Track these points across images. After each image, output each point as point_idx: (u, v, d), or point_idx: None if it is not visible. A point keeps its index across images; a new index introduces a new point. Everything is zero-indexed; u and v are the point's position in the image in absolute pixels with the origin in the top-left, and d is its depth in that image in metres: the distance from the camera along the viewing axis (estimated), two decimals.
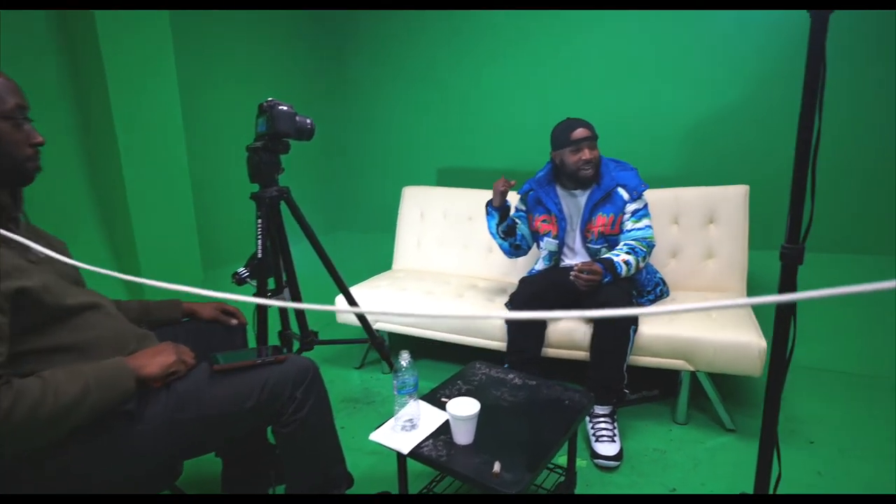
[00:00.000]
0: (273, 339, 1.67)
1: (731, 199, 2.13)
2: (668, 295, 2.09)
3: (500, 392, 1.46)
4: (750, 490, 1.31)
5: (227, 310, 1.48)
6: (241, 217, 2.19)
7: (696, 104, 2.43)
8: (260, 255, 1.35)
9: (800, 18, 2.17)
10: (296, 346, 1.61)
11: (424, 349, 2.54)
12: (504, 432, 1.27)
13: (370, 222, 3.43)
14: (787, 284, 0.78)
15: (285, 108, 1.27)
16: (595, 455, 1.67)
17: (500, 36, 2.77)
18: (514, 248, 2.15)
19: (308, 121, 1.34)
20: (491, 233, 2.12)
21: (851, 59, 2.13)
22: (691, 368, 1.78)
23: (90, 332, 1.04)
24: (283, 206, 1.46)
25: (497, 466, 1.14)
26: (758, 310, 1.97)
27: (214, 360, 1.14)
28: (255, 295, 1.47)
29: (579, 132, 1.89)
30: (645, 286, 2.00)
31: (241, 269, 1.59)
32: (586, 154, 1.88)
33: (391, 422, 1.33)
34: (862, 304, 2.25)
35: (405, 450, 1.23)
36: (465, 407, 1.23)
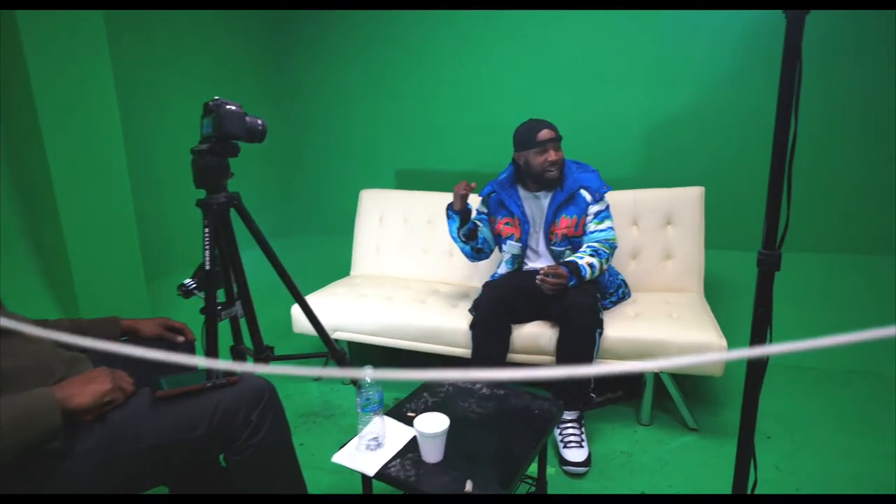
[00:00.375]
0: (224, 356, 1.56)
1: (688, 200, 2.18)
2: (629, 296, 2.10)
3: (468, 403, 1.41)
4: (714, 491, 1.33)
5: (172, 326, 1.36)
6: (188, 224, 2.05)
7: (653, 106, 2.47)
8: (208, 267, 1.24)
9: (755, 20, 2.24)
10: (250, 361, 1.50)
11: (386, 358, 2.46)
12: (474, 447, 1.22)
13: (327, 226, 3.31)
14: (765, 291, 0.77)
15: (234, 107, 1.17)
16: (564, 462, 1.64)
17: (459, 37, 2.74)
18: (476, 252, 2.11)
19: (259, 121, 1.25)
20: (452, 237, 2.08)
21: (822, 60, 2.21)
22: (655, 370, 1.79)
23: (6, 362, 0.91)
24: (234, 213, 1.35)
25: (469, 485, 1.09)
26: (717, 309, 2.01)
27: (157, 384, 1.03)
28: (205, 307, 1.35)
29: (545, 133, 1.87)
30: (607, 288, 2.00)
31: (188, 281, 1.48)
32: (552, 155, 1.87)
33: (355, 441, 1.26)
34: (810, 300, 2.35)
35: (371, 471, 1.16)
36: (433, 423, 1.17)
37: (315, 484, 1.56)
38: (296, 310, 2.24)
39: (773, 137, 0.73)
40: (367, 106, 3.04)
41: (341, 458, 1.21)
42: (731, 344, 1.70)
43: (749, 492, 0.94)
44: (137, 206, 2.11)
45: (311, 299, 2.28)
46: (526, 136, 1.90)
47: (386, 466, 1.16)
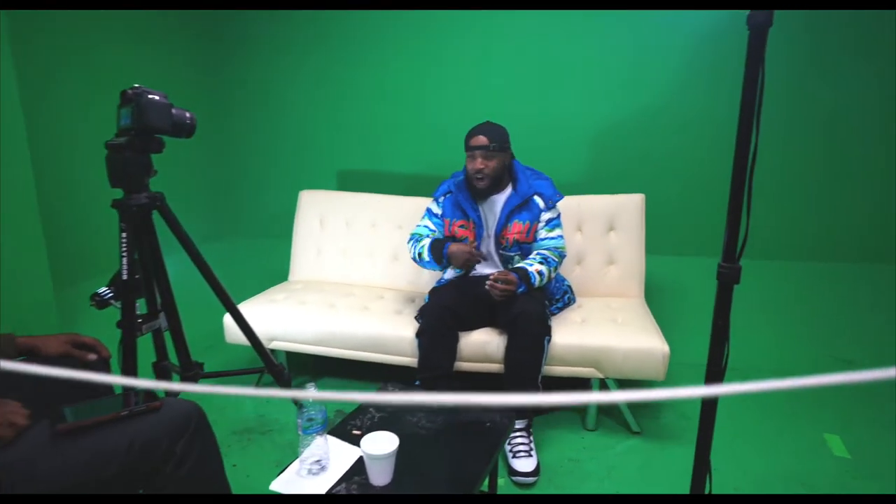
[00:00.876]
0: (147, 375, 1.40)
1: (629, 206, 2.23)
2: (574, 302, 2.12)
3: (417, 418, 1.34)
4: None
5: (81, 342, 1.19)
6: (103, 226, 1.84)
7: (597, 112, 2.52)
8: (125, 276, 1.10)
9: (699, 30, 2.32)
10: (176, 380, 1.36)
11: (328, 368, 2.35)
12: (425, 466, 1.16)
13: (264, 228, 3.13)
14: (724, 304, 0.76)
15: (157, 97, 1.04)
16: (513, 472, 1.62)
17: (405, 37, 2.67)
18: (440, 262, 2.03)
19: (188, 114, 1.12)
20: (421, 262, 1.97)
21: (782, 64, 2.29)
22: (600, 376, 1.80)
23: None
24: (157, 216, 1.21)
25: None
26: (656, 312, 2.06)
27: (60, 416, 0.89)
28: (122, 320, 1.20)
29: (477, 139, 1.83)
30: (554, 294, 2.00)
31: (103, 289, 1.32)
32: (478, 163, 1.83)
33: (295, 464, 1.16)
34: (740, 303, 2.47)
35: None
36: (381, 443, 1.09)
37: None
38: (228, 319, 2.08)
39: (734, 150, 0.72)
40: (308, 105, 2.90)
41: (280, 485, 1.11)
42: (672, 348, 1.75)
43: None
44: (44, 207, 1.88)
45: (246, 306, 2.13)
46: (466, 139, 1.87)
47: (330, 493, 1.08)
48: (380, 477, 1.09)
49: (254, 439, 1.85)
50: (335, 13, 2.71)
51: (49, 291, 1.94)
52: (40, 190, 1.86)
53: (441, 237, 1.96)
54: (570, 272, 2.26)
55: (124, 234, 1.08)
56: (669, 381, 1.90)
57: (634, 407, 1.95)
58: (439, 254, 1.88)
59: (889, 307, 2.34)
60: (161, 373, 1.36)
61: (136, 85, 1.04)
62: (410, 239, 2.01)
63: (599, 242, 2.25)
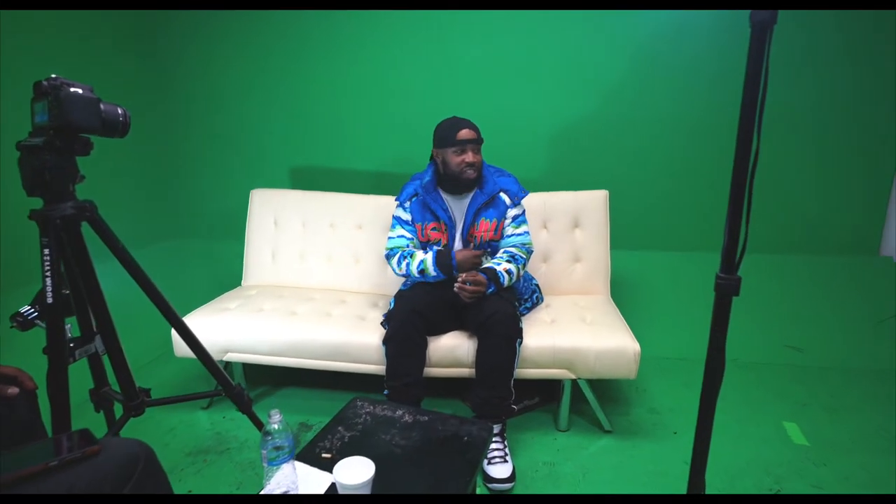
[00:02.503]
0: (83, 405, 1.24)
1: (594, 203, 2.21)
2: (542, 301, 2.08)
3: (390, 436, 1.26)
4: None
5: (1, 374, 1.03)
6: (25, 233, 1.64)
7: (560, 109, 2.48)
8: (50, 300, 0.95)
9: (658, 27, 2.32)
10: (118, 409, 1.21)
11: (287, 378, 2.22)
12: (403, 491, 1.08)
13: (213, 230, 2.93)
14: (722, 315, 0.72)
15: (80, 90, 0.89)
16: (488, 479, 1.57)
17: (361, 33, 2.54)
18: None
19: (120, 110, 0.97)
20: (413, 276, 1.84)
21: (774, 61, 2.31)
22: (573, 377, 1.78)
23: None
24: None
25: None
26: (622, 308, 2.06)
27: None
28: (48, 346, 1.05)
29: (465, 133, 1.76)
30: (522, 294, 1.96)
31: (26, 308, 1.16)
32: (470, 157, 1.77)
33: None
34: (699, 295, 2.52)
35: None
36: (356, 471, 1.01)
37: None
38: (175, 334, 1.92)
39: (734, 154, 0.68)
40: (257, 101, 2.71)
41: None
42: (639, 343, 1.74)
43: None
44: None
45: (197, 316, 1.97)
46: (446, 133, 1.78)
47: None
48: None
49: (210, 460, 1.72)
50: (290, 13, 2.54)
51: None
52: None
53: (431, 247, 1.85)
54: (537, 270, 2.22)
55: (47, 252, 0.93)
56: (639, 377, 1.91)
57: (605, 404, 1.94)
58: (447, 265, 1.77)
59: (834, 296, 2.45)
60: (101, 402, 1.21)
61: (54, 75, 0.89)
62: (393, 255, 1.88)
63: (565, 240, 2.23)
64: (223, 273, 2.63)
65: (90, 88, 0.93)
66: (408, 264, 1.82)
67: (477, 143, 1.79)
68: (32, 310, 1.17)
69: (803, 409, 1.98)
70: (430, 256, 1.80)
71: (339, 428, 1.29)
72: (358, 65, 2.58)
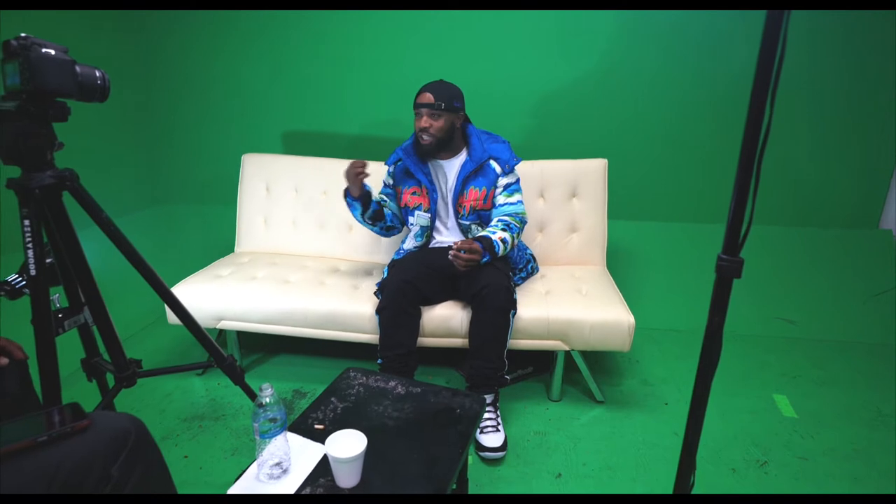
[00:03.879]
0: (75, 374, 1.24)
1: (592, 172, 2.17)
2: (538, 271, 2.07)
3: (383, 407, 1.27)
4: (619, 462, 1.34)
5: None
6: (5, 204, 1.60)
7: (559, 75, 2.41)
8: (33, 271, 0.92)
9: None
10: (110, 381, 1.20)
11: (281, 346, 2.23)
12: (395, 463, 1.09)
13: (204, 194, 2.87)
14: (722, 299, 0.71)
15: (53, 51, 0.84)
16: (480, 447, 1.59)
17: None
18: (388, 230, 1.94)
19: (97, 73, 0.92)
20: (358, 221, 1.87)
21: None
22: (567, 348, 1.78)
23: None
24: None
25: None
26: (618, 279, 2.05)
27: None
28: (34, 316, 1.03)
29: (423, 97, 1.73)
30: (517, 264, 1.95)
31: (13, 277, 1.14)
32: (423, 121, 1.72)
33: (253, 468, 1.06)
34: (695, 267, 2.52)
35: None
36: (347, 444, 1.01)
37: None
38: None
39: (742, 138, 0.64)
40: (248, 65, 2.61)
41: (239, 491, 1.01)
42: (634, 314, 1.74)
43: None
44: None
45: (190, 283, 1.95)
46: (415, 98, 1.74)
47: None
48: (347, 479, 1.01)
49: (206, 427, 1.74)
50: None
51: None
52: None
53: (412, 212, 1.86)
54: (533, 240, 2.20)
55: (27, 222, 0.90)
56: (632, 349, 1.92)
57: (597, 375, 1.96)
58: (346, 192, 1.81)
59: (831, 270, 2.45)
60: (93, 371, 1.20)
61: (23, 35, 0.83)
62: None
63: (562, 209, 2.19)
64: (216, 239, 2.60)
65: (65, 49, 0.87)
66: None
67: (433, 108, 1.71)
68: (20, 278, 1.14)
69: (794, 382, 2.00)
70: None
71: (332, 399, 1.30)
72: (349, 29, 2.48)
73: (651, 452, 1.61)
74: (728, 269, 0.68)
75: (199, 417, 1.78)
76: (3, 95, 0.88)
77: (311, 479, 1.04)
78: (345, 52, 2.52)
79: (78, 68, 0.89)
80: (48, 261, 1.06)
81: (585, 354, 1.86)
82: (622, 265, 2.48)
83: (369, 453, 1.06)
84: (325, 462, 1.06)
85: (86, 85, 0.90)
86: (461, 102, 1.78)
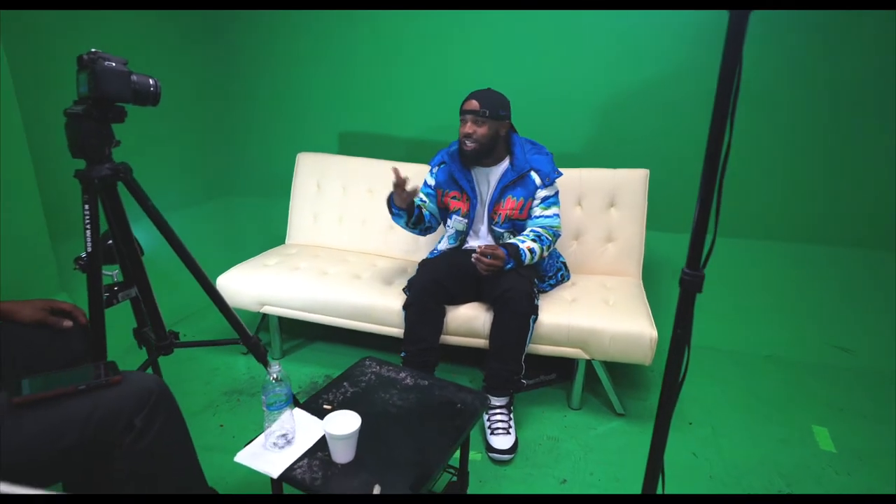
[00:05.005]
0: (120, 344, 1.42)
1: (633, 182, 2.14)
2: (568, 279, 2.07)
3: (389, 395, 1.35)
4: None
5: (58, 308, 1.21)
6: (75, 191, 1.84)
7: (605, 84, 2.38)
8: (89, 249, 1.09)
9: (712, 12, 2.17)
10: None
11: (318, 334, 2.37)
12: (389, 446, 1.16)
13: (265, 188, 3.11)
14: (686, 311, 0.72)
15: (114, 63, 0.99)
16: (490, 448, 1.63)
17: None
18: (425, 231, 2.01)
19: (151, 81, 1.07)
20: (401, 227, 1.95)
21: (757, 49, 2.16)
22: (587, 357, 1.78)
23: None
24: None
25: (377, 489, 1.04)
26: (653, 292, 2.01)
27: (17, 388, 0.90)
28: (88, 287, 1.20)
29: (469, 103, 1.77)
30: (547, 271, 1.96)
31: (85, 254, 1.32)
32: (467, 127, 1.77)
33: (261, 438, 1.17)
34: (729, 285, 2.40)
35: (275, 473, 1.08)
36: (342, 423, 1.10)
37: (232, 470, 1.49)
38: (222, 281, 2.10)
39: (705, 149, 0.66)
40: (313, 65, 2.79)
41: (244, 457, 1.13)
42: (662, 332, 1.70)
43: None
44: (39, 162, 1.88)
45: (239, 270, 2.14)
46: (462, 104, 1.80)
47: (292, 468, 1.09)
48: (342, 455, 1.10)
49: (242, 401, 1.90)
50: None
51: (46, 245, 1.97)
52: (34, 148, 1.86)
53: (451, 215, 1.93)
54: (567, 248, 2.20)
55: (87, 207, 1.07)
56: (657, 364, 1.86)
57: (620, 388, 1.93)
58: (390, 202, 1.86)
59: (888, 296, 2.24)
60: (142, 339, 1.38)
61: (93, 50, 0.99)
62: None
63: (599, 218, 2.18)
64: (271, 230, 2.80)
65: (124, 62, 1.03)
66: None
67: (478, 115, 1.75)
68: None
69: (839, 414, 1.87)
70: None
71: (345, 383, 1.39)
72: (402, 33, 2.59)
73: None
74: (691, 283, 0.69)
75: (238, 392, 1.95)
76: (76, 101, 1.06)
77: (310, 452, 1.14)
78: (401, 56, 2.62)
79: (134, 77, 1.04)
80: (108, 242, 1.23)
81: (611, 366, 1.84)
82: (662, 278, 2.41)
83: (367, 435, 1.14)
84: (325, 439, 1.16)
85: (140, 92, 1.05)
86: (507, 111, 1.81)
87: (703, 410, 1.88)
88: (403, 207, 1.79)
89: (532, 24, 2.39)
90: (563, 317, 1.78)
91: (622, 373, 2.07)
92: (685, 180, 2.40)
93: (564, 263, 2.06)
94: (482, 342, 1.84)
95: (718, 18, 2.16)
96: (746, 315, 2.37)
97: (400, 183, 1.68)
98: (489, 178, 1.90)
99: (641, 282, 2.12)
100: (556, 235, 1.86)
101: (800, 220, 2.36)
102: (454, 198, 1.91)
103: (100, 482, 1.14)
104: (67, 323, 1.20)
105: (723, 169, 0.65)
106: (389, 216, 1.91)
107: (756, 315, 2.36)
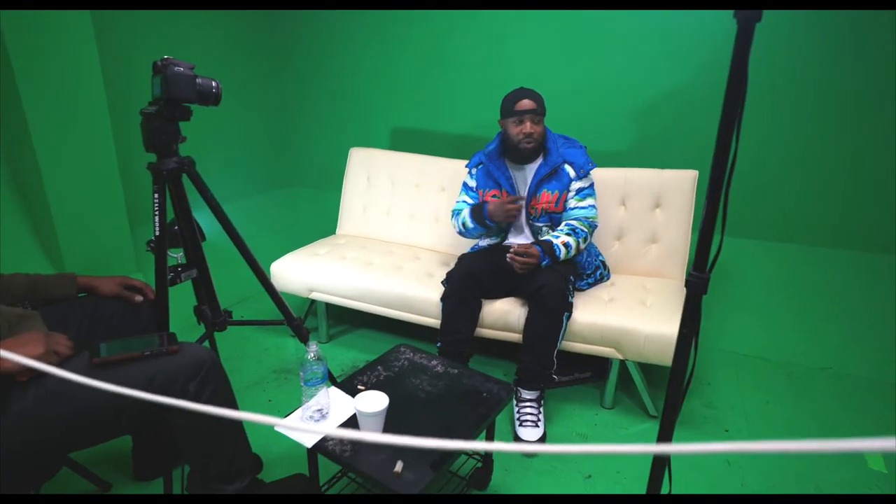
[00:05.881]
0: (183, 318, 1.58)
1: (680, 183, 2.09)
2: (608, 279, 2.07)
3: (420, 381, 1.42)
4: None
5: (131, 285, 1.37)
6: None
7: (649, 83, 2.34)
8: (157, 233, 1.23)
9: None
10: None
11: (363, 320, 2.49)
12: (415, 427, 1.24)
13: (320, 180, 3.28)
14: (692, 313, 0.74)
15: (182, 68, 1.12)
16: (517, 439, 1.67)
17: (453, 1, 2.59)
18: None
19: (213, 83, 1.20)
20: (473, 235, 2.02)
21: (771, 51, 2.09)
22: (620, 357, 1.78)
23: None
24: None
25: (399, 465, 1.12)
26: (706, 302, 1.96)
27: (96, 350, 1.05)
28: (155, 267, 1.35)
29: (524, 103, 1.80)
30: (585, 269, 1.96)
31: None
32: (528, 127, 1.80)
33: (300, 411, 1.28)
34: (787, 293, 2.29)
35: (309, 443, 1.19)
36: (371, 402, 1.18)
37: (276, 442, 1.62)
38: (275, 268, 2.26)
39: (713, 155, 0.67)
40: (368, 62, 2.92)
41: (283, 428, 1.24)
42: (707, 333, 1.68)
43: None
44: (122, 154, 2.11)
45: (291, 258, 2.29)
46: (508, 104, 1.84)
47: (324, 440, 1.19)
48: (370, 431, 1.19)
49: (290, 379, 2.04)
50: None
51: (125, 229, 2.20)
52: (119, 141, 2.08)
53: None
54: (609, 248, 2.19)
55: (156, 196, 1.21)
56: (706, 370, 1.84)
57: (655, 390, 1.91)
58: (480, 216, 1.91)
59: None
60: (201, 316, 1.53)
61: (166, 56, 1.12)
62: (453, 216, 2.06)
63: (643, 219, 2.15)
64: (323, 220, 2.95)
65: (191, 66, 1.16)
66: (460, 221, 1.99)
67: (536, 113, 1.80)
68: None
69: (893, 434, 1.75)
70: (466, 211, 1.93)
71: (379, 367, 1.49)
72: (452, 31, 2.65)
73: (690, 474, 1.56)
74: (698, 285, 0.71)
75: (286, 371, 2.10)
76: (150, 102, 1.20)
77: (342, 427, 1.23)
78: (448, 55, 2.70)
79: (199, 80, 1.17)
80: (174, 227, 1.38)
81: (646, 368, 1.83)
82: (714, 283, 2.34)
83: (395, 415, 1.22)
84: (356, 416, 1.25)
85: (203, 93, 1.18)
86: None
87: (742, 419, 1.82)
88: (499, 222, 1.90)
89: (575, 24, 2.39)
90: (598, 315, 1.79)
91: (659, 375, 2.04)
92: (735, 183, 2.32)
93: (604, 262, 2.05)
94: (516, 336, 1.88)
95: (766, 16, 2.07)
96: (803, 325, 2.26)
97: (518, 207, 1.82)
98: (526, 174, 1.93)
99: (684, 285, 2.07)
100: (593, 227, 1.87)
101: (863, 228, 2.22)
102: (494, 196, 1.95)
103: (163, 434, 1.30)
104: (139, 297, 1.36)
105: (730, 171, 0.66)
106: (460, 225, 2.00)
107: (814, 325, 2.25)
